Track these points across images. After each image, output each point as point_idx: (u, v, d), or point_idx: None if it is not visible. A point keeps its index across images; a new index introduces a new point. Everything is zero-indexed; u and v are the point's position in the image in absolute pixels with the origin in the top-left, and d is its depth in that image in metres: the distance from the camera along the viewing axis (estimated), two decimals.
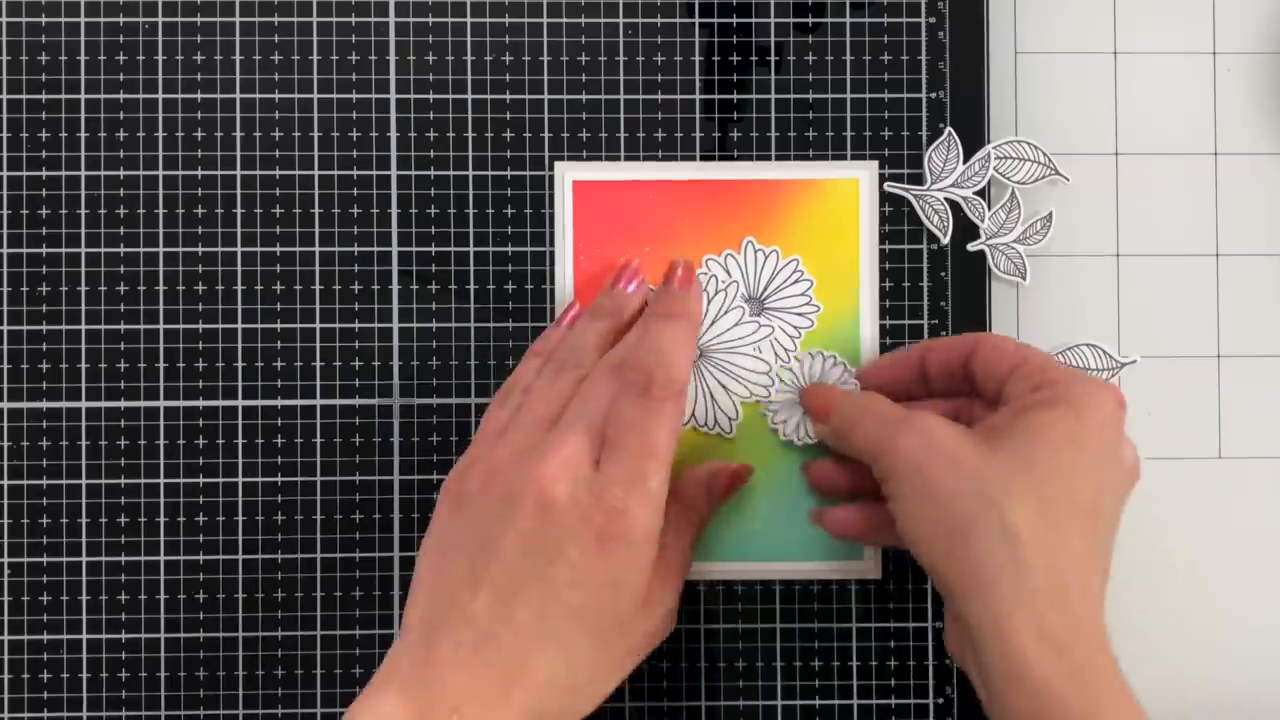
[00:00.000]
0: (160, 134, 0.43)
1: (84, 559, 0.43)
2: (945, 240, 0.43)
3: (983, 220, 0.43)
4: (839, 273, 0.43)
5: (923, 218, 0.43)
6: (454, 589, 0.36)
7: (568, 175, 0.43)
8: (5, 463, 0.43)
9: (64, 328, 0.43)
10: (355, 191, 0.43)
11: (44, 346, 0.43)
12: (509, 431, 0.38)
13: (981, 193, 0.43)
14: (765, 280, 0.43)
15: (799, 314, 0.43)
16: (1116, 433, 0.36)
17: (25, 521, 0.43)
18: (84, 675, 0.42)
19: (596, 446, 0.36)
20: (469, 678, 0.35)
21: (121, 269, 0.43)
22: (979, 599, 0.34)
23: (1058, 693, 0.32)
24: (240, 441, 0.43)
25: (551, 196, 0.43)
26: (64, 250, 0.43)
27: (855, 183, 0.43)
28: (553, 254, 0.43)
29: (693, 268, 0.42)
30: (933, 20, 0.43)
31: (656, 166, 0.43)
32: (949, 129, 0.43)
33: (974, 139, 0.43)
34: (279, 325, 0.43)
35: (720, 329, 0.43)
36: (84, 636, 0.43)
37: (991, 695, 0.34)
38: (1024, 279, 0.43)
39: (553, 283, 0.43)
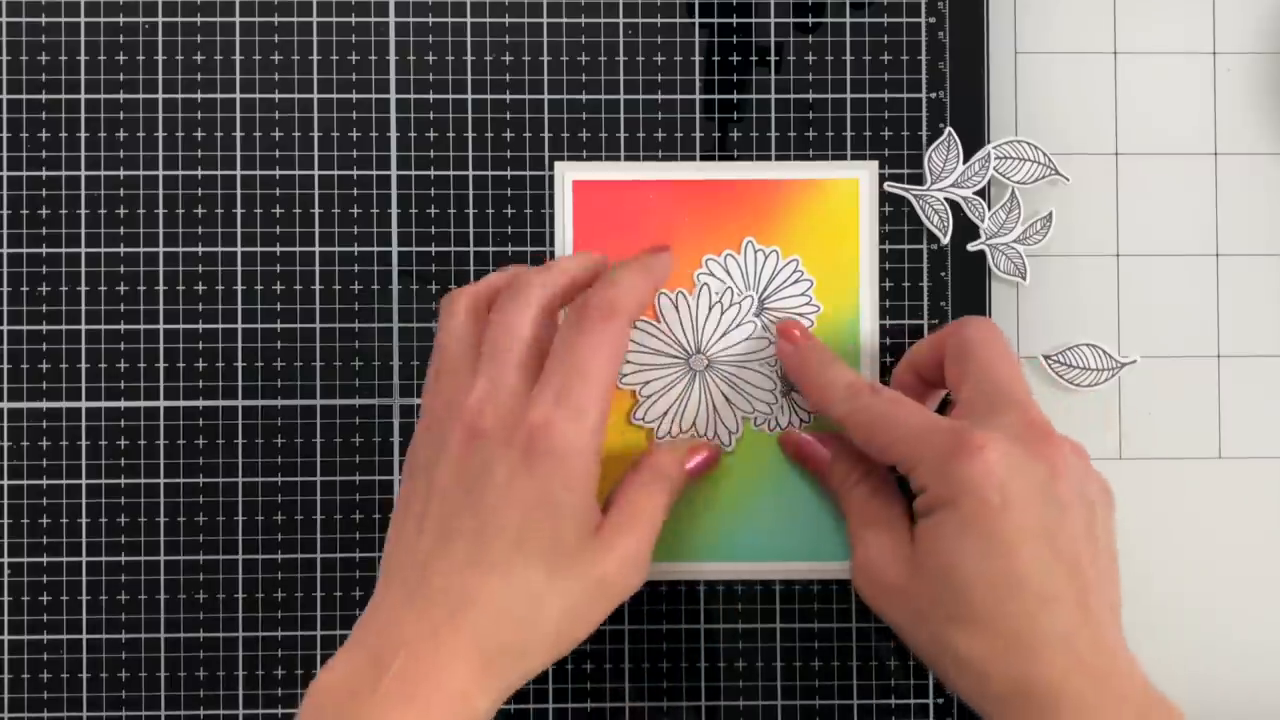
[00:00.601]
0: (160, 134, 0.43)
1: (84, 559, 0.43)
2: (945, 240, 0.43)
3: (983, 220, 0.43)
4: (839, 273, 0.43)
5: (923, 218, 0.43)
6: (405, 536, 0.36)
7: (568, 175, 0.43)
8: (5, 463, 0.43)
9: (64, 328, 0.43)
10: (355, 191, 0.43)
11: (44, 346, 0.43)
12: (440, 378, 0.38)
13: (981, 193, 0.43)
14: (765, 280, 0.43)
15: (799, 314, 0.43)
16: (1017, 506, 0.34)
17: (25, 521, 0.43)
18: (84, 675, 0.42)
19: (524, 375, 0.36)
20: (415, 614, 0.34)
21: (121, 269, 0.43)
22: (961, 697, 0.36)
23: None
24: (240, 441, 0.43)
25: (551, 196, 0.43)
26: (64, 250, 0.43)
27: (855, 183, 0.43)
28: (553, 254, 0.43)
29: (664, 249, 0.42)
30: (933, 20, 0.43)
31: (656, 166, 0.43)
32: (949, 129, 0.43)
33: (974, 139, 0.43)
34: (279, 325, 0.43)
35: (731, 341, 0.43)
36: (84, 636, 0.43)
37: None
38: (1024, 279, 0.43)
39: None
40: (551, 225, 0.43)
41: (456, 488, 0.35)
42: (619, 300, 0.37)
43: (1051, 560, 0.34)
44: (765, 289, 0.43)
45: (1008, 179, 0.43)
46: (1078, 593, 0.34)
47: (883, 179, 0.43)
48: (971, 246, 0.43)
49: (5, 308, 0.43)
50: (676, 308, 0.43)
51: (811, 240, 0.43)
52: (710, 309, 0.43)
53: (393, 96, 0.43)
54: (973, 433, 0.35)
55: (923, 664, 0.38)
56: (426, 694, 0.33)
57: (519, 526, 0.35)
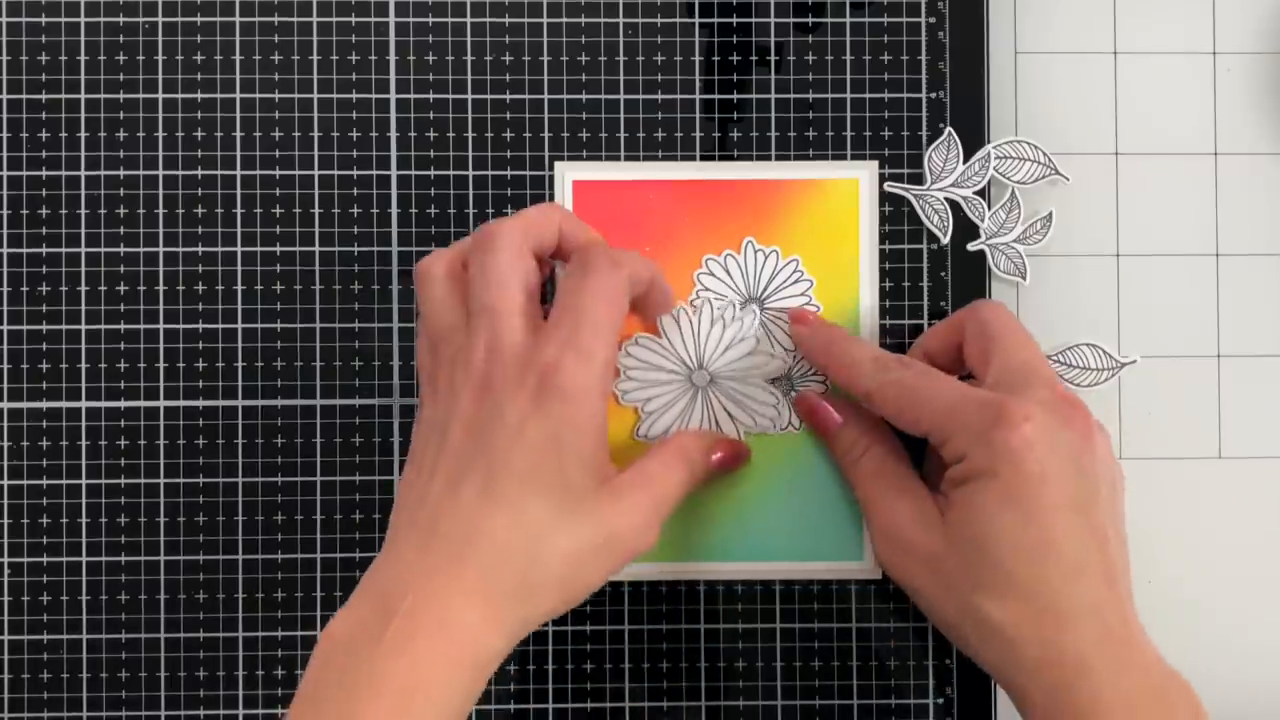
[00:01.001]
0: (160, 134, 0.43)
1: (84, 559, 0.43)
2: (945, 240, 0.43)
3: (983, 220, 0.43)
4: (839, 273, 0.43)
5: (923, 217, 0.43)
6: (418, 485, 0.36)
7: (568, 175, 0.43)
8: (5, 463, 0.43)
9: (64, 328, 0.43)
10: (355, 191, 0.43)
11: (44, 346, 0.43)
12: (438, 345, 0.37)
13: (981, 192, 0.43)
14: (765, 280, 0.43)
15: None
16: (1054, 479, 0.35)
17: (25, 521, 0.43)
18: (84, 675, 0.42)
19: (524, 321, 0.36)
20: (420, 554, 0.34)
21: (121, 269, 0.43)
22: (985, 666, 0.37)
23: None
24: (240, 441, 0.43)
25: (551, 196, 0.43)
26: (64, 250, 0.43)
27: (855, 183, 0.43)
28: None
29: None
30: (933, 20, 0.43)
31: (656, 166, 0.43)
32: (949, 129, 0.43)
33: (974, 139, 0.43)
34: (279, 325, 0.43)
35: (732, 357, 0.43)
36: (84, 636, 0.43)
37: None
38: (1024, 279, 0.43)
39: (552, 283, 0.43)
40: None
41: (467, 438, 0.35)
42: (621, 257, 0.37)
43: (1084, 532, 0.35)
44: (765, 289, 0.43)
45: (1008, 179, 0.43)
46: (1105, 566, 0.35)
47: (883, 179, 0.43)
48: (971, 246, 0.43)
49: (5, 308, 0.43)
50: (678, 324, 0.43)
51: (811, 240, 0.43)
52: (712, 325, 0.43)
53: (393, 96, 0.43)
54: (1013, 404, 0.35)
55: (943, 632, 0.38)
56: (434, 632, 0.33)
57: (528, 465, 0.35)
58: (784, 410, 0.43)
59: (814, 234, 0.43)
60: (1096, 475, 0.36)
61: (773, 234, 0.43)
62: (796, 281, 0.43)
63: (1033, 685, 0.35)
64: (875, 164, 0.43)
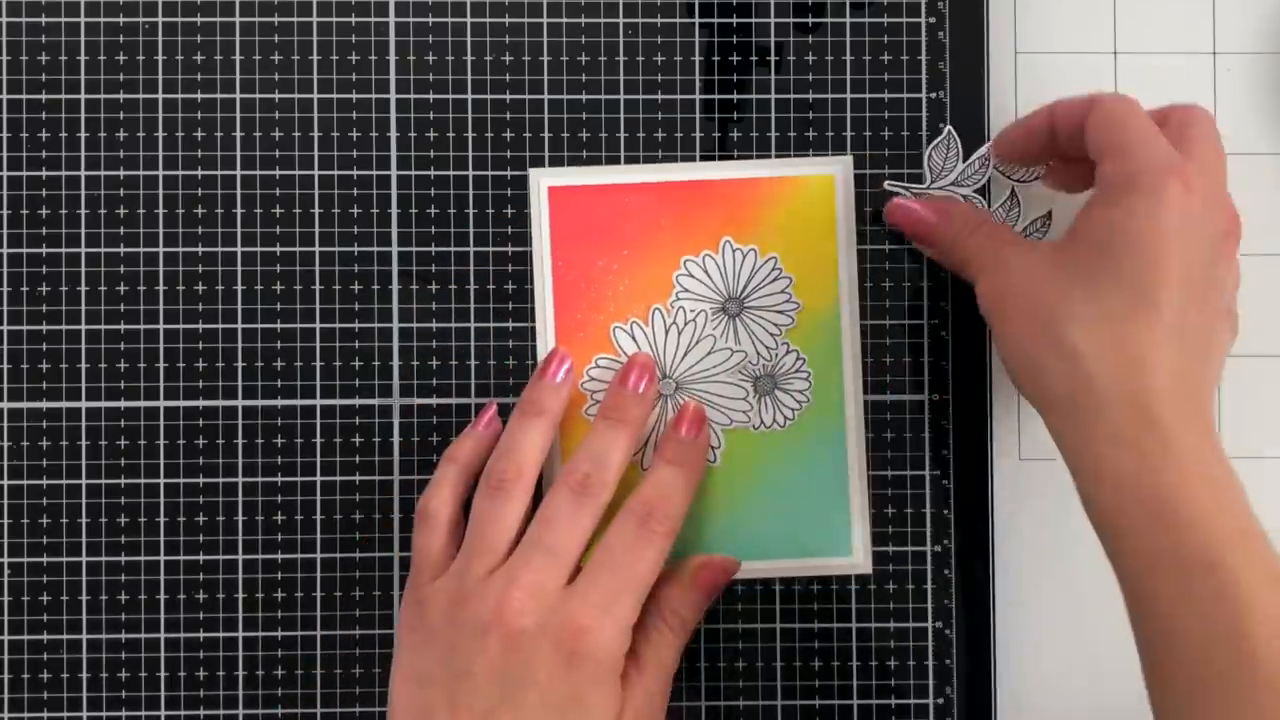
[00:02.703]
0: (160, 134, 0.43)
1: (84, 559, 0.43)
2: None
3: None
4: (817, 269, 0.43)
5: None
6: (433, 714, 0.37)
7: (543, 182, 0.43)
8: (5, 463, 0.43)
9: (64, 328, 0.43)
10: (355, 191, 0.43)
11: (44, 346, 0.43)
12: (469, 556, 0.38)
13: (982, 190, 0.43)
14: (744, 279, 0.43)
15: (779, 311, 0.43)
16: (1179, 214, 0.35)
17: (25, 521, 0.43)
18: (84, 675, 0.42)
19: (563, 569, 0.37)
20: None
21: (121, 269, 0.43)
22: (1053, 415, 0.36)
23: (1131, 488, 0.34)
24: (240, 441, 0.43)
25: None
26: (64, 250, 0.43)
27: (830, 179, 0.43)
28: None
29: (702, 415, 0.42)
30: (933, 20, 0.43)
31: (631, 170, 0.43)
32: (948, 127, 0.43)
33: (974, 139, 0.43)
34: (279, 325, 0.43)
35: (693, 360, 0.43)
36: (84, 636, 0.43)
37: (1080, 491, 0.36)
38: None
39: (532, 295, 0.43)
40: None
41: (496, 687, 0.36)
42: (677, 515, 0.39)
43: (1185, 305, 0.35)
44: (744, 288, 0.43)
45: (1008, 178, 0.43)
46: (1199, 336, 0.35)
47: (882, 178, 0.43)
48: None
49: (5, 308, 0.43)
50: (634, 338, 0.43)
51: (789, 237, 0.43)
52: (667, 331, 0.43)
53: (393, 96, 0.43)
54: (1192, 170, 0.36)
55: (1013, 374, 0.38)
56: None
57: None
58: (757, 404, 0.43)
59: (792, 231, 0.43)
60: (1222, 262, 0.37)
61: (751, 233, 0.43)
62: (775, 279, 0.43)
63: (1094, 423, 0.35)
64: (850, 159, 0.43)
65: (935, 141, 0.43)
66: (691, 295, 0.43)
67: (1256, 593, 0.32)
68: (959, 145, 0.43)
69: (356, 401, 0.43)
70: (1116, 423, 0.34)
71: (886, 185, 0.43)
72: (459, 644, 0.37)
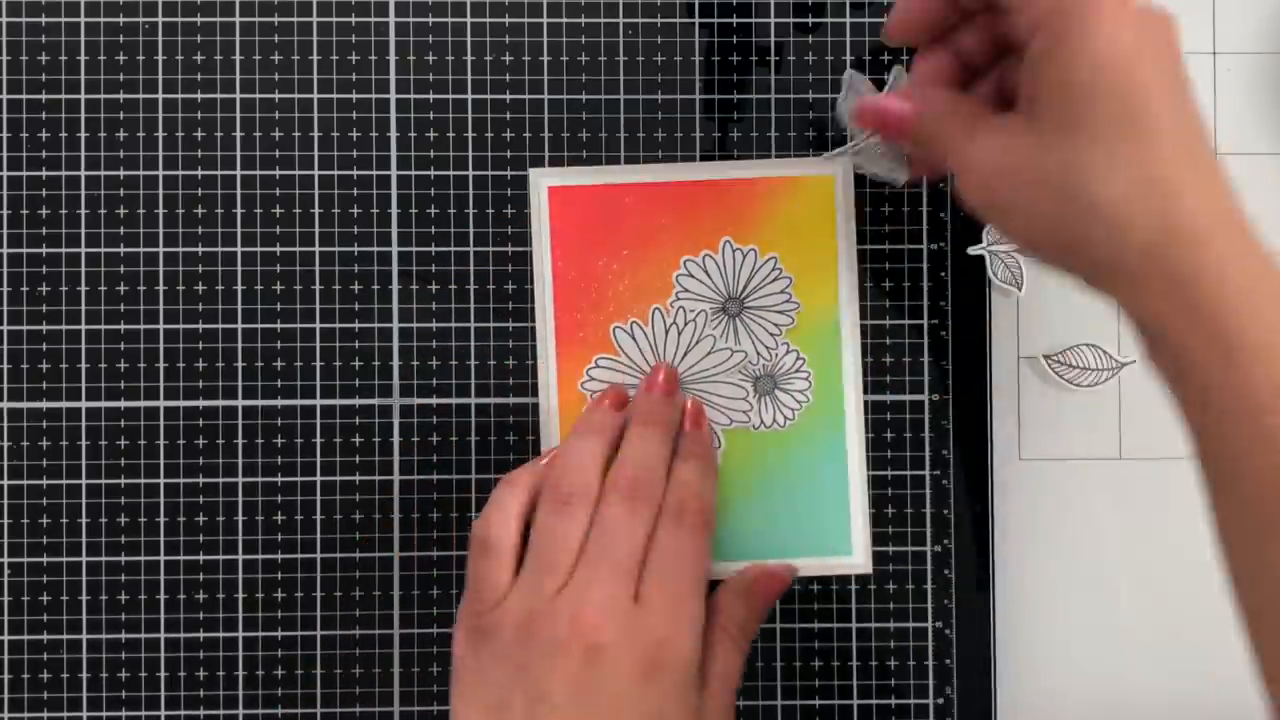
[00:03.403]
0: (160, 134, 0.43)
1: (84, 559, 0.43)
2: (947, 243, 0.43)
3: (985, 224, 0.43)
4: (817, 269, 0.43)
5: (924, 218, 0.43)
6: None
7: (542, 182, 0.43)
8: (5, 463, 0.43)
9: (64, 328, 0.43)
10: (355, 191, 0.43)
11: (44, 346, 0.43)
12: (536, 574, 0.38)
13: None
14: (744, 279, 0.43)
15: (779, 311, 0.43)
16: (1123, 29, 0.32)
17: (25, 521, 0.43)
18: (84, 675, 0.42)
19: (631, 579, 0.37)
20: None
21: (121, 269, 0.43)
22: (1097, 278, 0.33)
23: (1191, 327, 0.31)
24: (240, 441, 0.43)
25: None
26: (64, 250, 0.43)
27: (831, 180, 0.43)
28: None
29: (700, 408, 0.42)
30: None
31: (631, 170, 0.43)
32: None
33: None
34: (279, 325, 0.43)
35: (693, 360, 0.43)
36: (84, 636, 0.43)
37: (1141, 348, 0.34)
38: (1019, 289, 0.43)
39: (532, 295, 0.43)
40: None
41: (575, 704, 0.36)
42: (710, 507, 0.39)
43: (1181, 108, 0.32)
44: (744, 288, 0.43)
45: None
46: (1205, 142, 0.32)
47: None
48: (972, 250, 0.43)
49: (5, 308, 0.43)
50: (634, 338, 0.43)
51: (788, 237, 0.43)
52: (667, 332, 0.43)
53: (393, 96, 0.43)
54: None
55: (1033, 253, 0.34)
56: None
57: None
58: (757, 404, 0.43)
59: (792, 231, 0.43)
60: (1180, 62, 0.33)
61: (751, 233, 0.43)
62: (775, 279, 0.43)
63: (1148, 269, 0.31)
64: (850, 159, 0.43)
65: (844, 91, 0.41)
66: (691, 295, 0.43)
67: None
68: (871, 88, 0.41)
69: (356, 401, 0.43)
70: (1164, 261, 0.31)
71: (848, 76, 0.41)
72: (532, 666, 0.36)
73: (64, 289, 0.43)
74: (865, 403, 0.43)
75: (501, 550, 0.38)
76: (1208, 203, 0.31)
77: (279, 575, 0.43)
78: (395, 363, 0.43)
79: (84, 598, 0.43)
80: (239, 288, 0.43)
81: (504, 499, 0.39)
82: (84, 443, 0.43)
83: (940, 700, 0.43)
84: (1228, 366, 0.30)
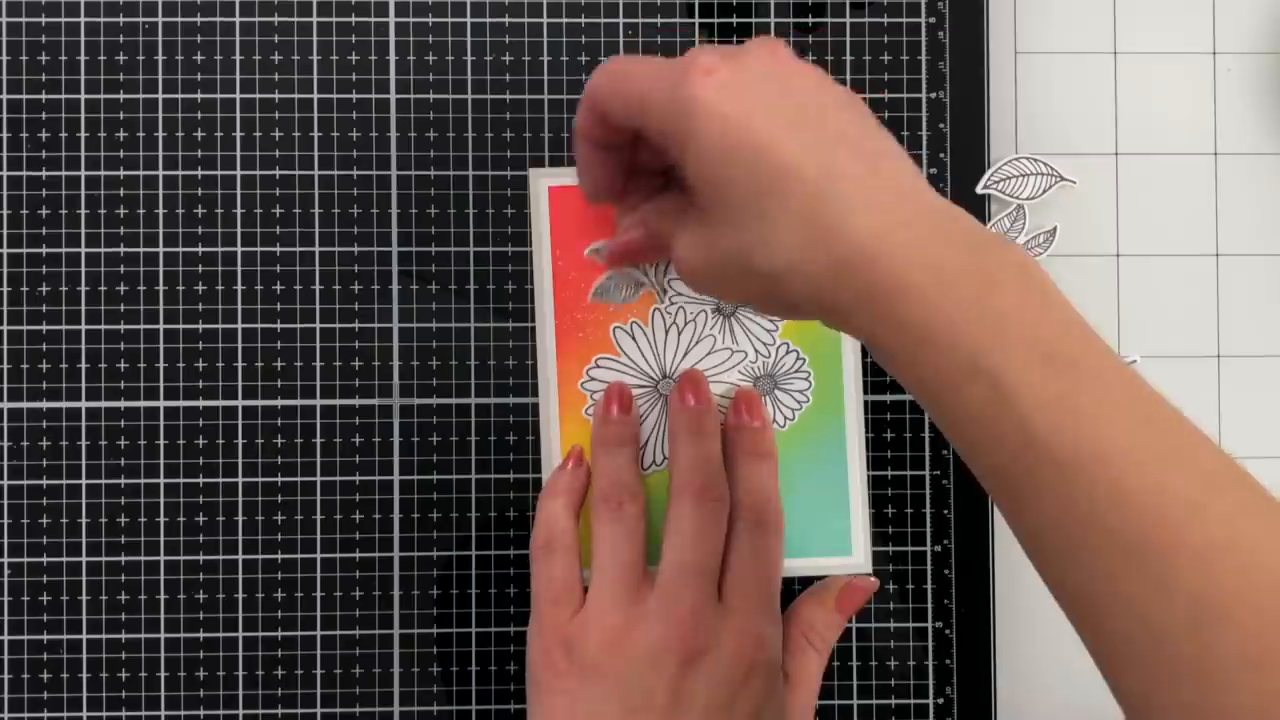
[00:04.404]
0: (160, 134, 0.43)
1: (84, 559, 0.43)
2: None
3: (987, 225, 0.43)
4: None
5: None
6: None
7: (543, 182, 0.43)
8: (5, 463, 0.43)
9: (64, 328, 0.43)
10: (355, 191, 0.43)
11: (44, 346, 0.43)
12: (616, 586, 0.38)
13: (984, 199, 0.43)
14: None
15: None
16: (717, 97, 0.31)
17: (25, 521, 0.43)
18: (84, 675, 0.42)
19: (714, 582, 0.38)
20: None
21: (121, 269, 0.43)
22: (808, 318, 0.33)
23: (882, 316, 0.30)
24: (240, 441, 0.43)
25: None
26: (64, 250, 0.43)
27: None
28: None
29: (755, 397, 0.42)
30: (933, 20, 0.43)
31: None
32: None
33: (974, 138, 0.43)
34: (279, 325, 0.43)
35: (693, 360, 0.43)
36: (84, 636, 0.43)
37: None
38: None
39: (532, 295, 0.43)
40: None
41: (671, 711, 0.36)
42: (776, 501, 0.40)
43: (818, 144, 0.31)
44: None
45: (1015, 197, 0.43)
46: (858, 161, 0.31)
47: None
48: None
49: (5, 308, 0.43)
50: (634, 338, 0.43)
51: None
52: (667, 332, 0.43)
53: (393, 96, 0.43)
54: (698, 56, 0.32)
55: (762, 308, 0.36)
56: None
57: None
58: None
59: None
60: (818, 94, 0.32)
61: None
62: None
63: (841, 303, 0.30)
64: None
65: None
66: (691, 295, 0.43)
67: (1021, 376, 0.28)
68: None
69: (356, 401, 0.43)
70: (849, 290, 0.30)
71: (587, 253, 0.42)
72: (630, 677, 0.36)
73: (64, 289, 0.43)
74: (865, 403, 0.43)
75: (566, 548, 0.39)
76: (868, 219, 0.30)
77: (279, 575, 0.43)
78: (395, 363, 0.43)
79: (84, 598, 0.43)
80: (239, 288, 0.43)
81: (550, 505, 0.40)
82: (84, 443, 0.43)
83: (940, 700, 0.43)
84: (914, 363, 0.30)
